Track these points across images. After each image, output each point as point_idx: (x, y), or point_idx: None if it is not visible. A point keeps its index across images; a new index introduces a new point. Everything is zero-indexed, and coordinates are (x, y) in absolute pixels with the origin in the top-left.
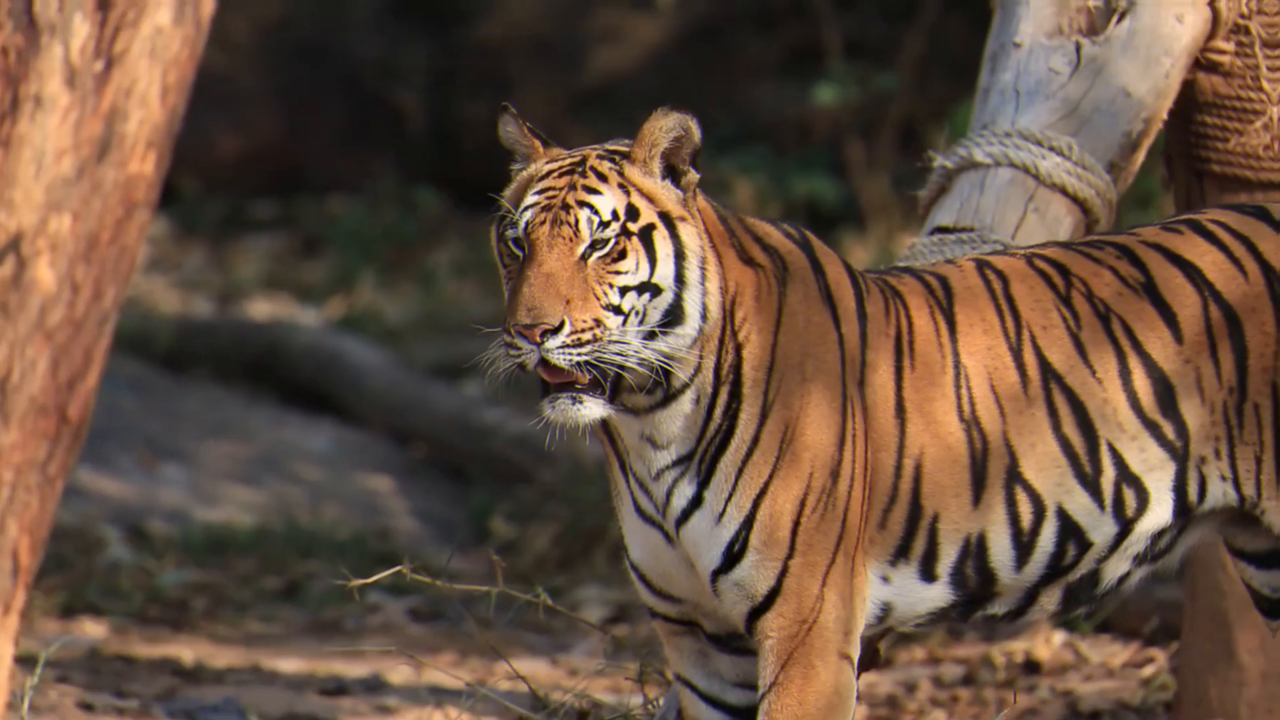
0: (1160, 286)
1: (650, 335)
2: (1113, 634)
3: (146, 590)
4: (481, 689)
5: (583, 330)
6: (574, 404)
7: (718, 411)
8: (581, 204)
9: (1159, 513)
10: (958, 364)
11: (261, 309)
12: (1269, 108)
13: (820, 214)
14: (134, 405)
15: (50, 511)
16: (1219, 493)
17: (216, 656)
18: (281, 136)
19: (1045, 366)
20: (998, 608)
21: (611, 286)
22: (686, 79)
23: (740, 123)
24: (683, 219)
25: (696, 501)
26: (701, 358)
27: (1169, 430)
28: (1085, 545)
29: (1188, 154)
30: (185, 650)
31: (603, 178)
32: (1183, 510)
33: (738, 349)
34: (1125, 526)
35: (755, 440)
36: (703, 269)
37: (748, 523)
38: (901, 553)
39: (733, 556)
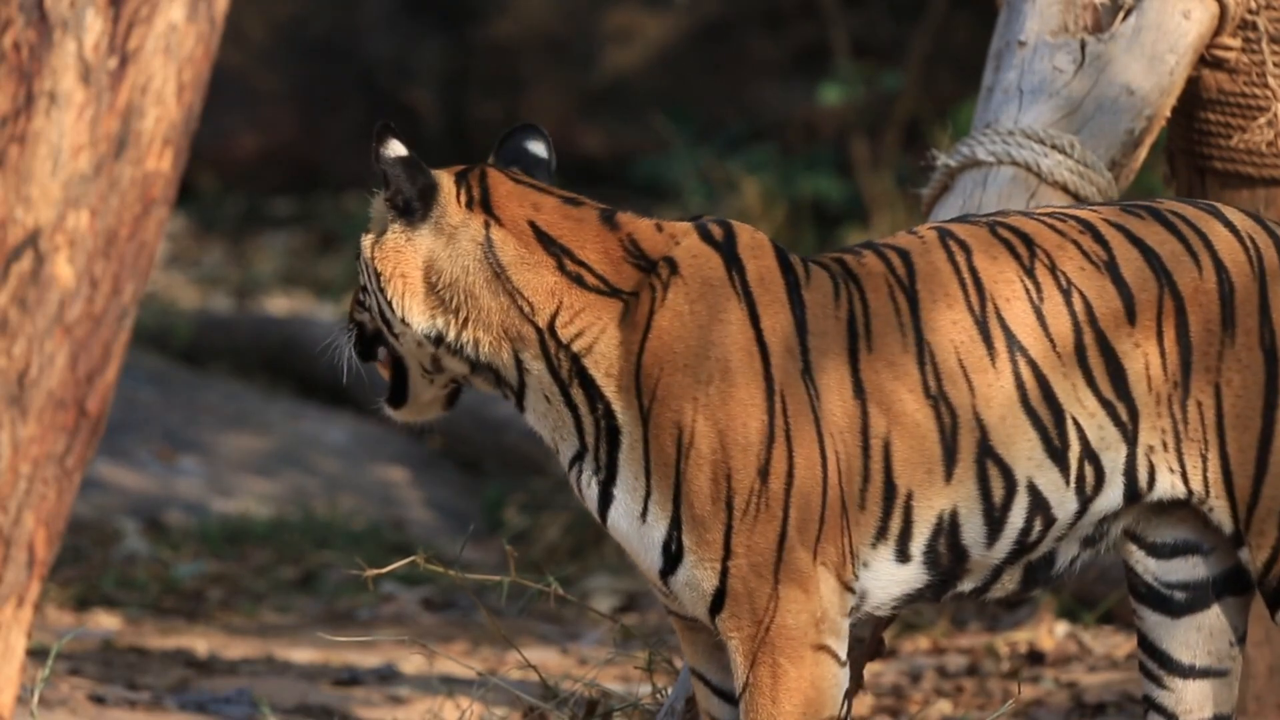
0: (1123, 267)
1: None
2: (1115, 625)
3: (162, 582)
4: (493, 678)
5: None
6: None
7: (583, 409)
8: None
9: (1111, 495)
10: (920, 340)
11: (279, 304)
12: (1273, 104)
13: (825, 212)
14: (153, 399)
15: (67, 504)
16: (1168, 484)
17: (230, 647)
18: (298, 135)
19: (1011, 339)
20: (965, 585)
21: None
22: (696, 78)
23: (748, 122)
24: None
25: (606, 496)
26: (521, 360)
27: (1122, 411)
28: (1050, 521)
29: (1190, 150)
30: (199, 641)
31: None
32: (1132, 495)
33: (574, 357)
34: (1084, 504)
35: (645, 442)
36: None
37: (675, 523)
38: (881, 534)
39: (672, 557)
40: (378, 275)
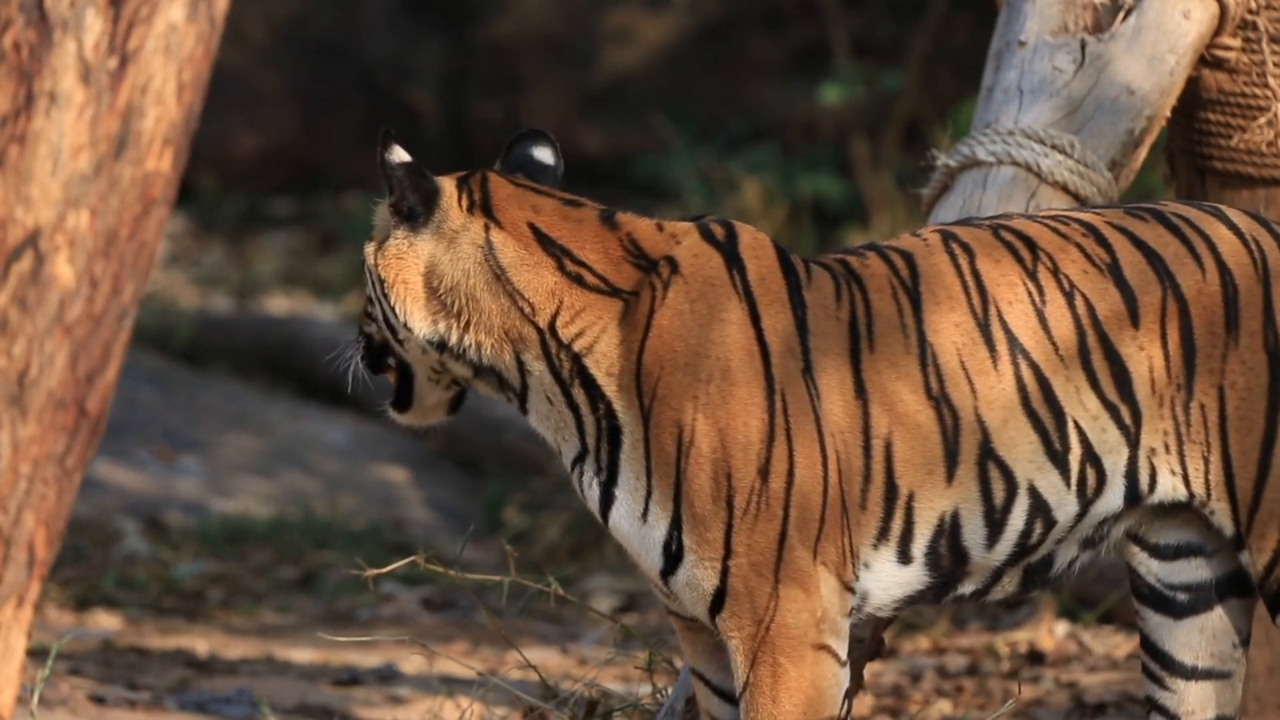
0: (1125, 270)
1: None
2: (1115, 625)
3: (162, 582)
4: (493, 678)
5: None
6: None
7: (584, 410)
8: None
9: (1111, 497)
10: (922, 342)
11: (279, 304)
12: (1273, 104)
13: (825, 212)
14: (153, 399)
15: (67, 504)
16: (1169, 486)
17: (230, 647)
18: (298, 134)
19: (1013, 342)
20: (966, 588)
21: None
22: (696, 78)
23: (748, 122)
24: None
25: (608, 497)
26: (523, 362)
27: (1125, 413)
28: (1050, 523)
29: (1190, 150)
30: (199, 641)
31: None
32: (1133, 498)
33: (575, 357)
34: (1085, 507)
35: (646, 442)
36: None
37: (676, 523)
38: (882, 535)
39: (672, 557)
40: (381, 282)
